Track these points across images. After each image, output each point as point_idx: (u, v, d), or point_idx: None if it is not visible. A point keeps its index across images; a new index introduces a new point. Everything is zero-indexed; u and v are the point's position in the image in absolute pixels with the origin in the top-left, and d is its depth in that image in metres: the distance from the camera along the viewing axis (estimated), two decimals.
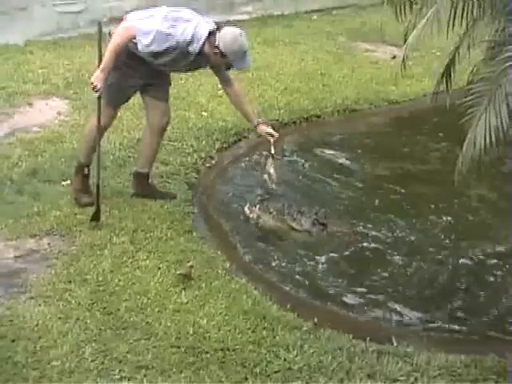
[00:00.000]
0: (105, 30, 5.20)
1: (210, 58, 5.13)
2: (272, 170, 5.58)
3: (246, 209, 5.65)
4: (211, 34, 5.05)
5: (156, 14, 5.08)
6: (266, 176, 5.62)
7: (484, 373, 3.91)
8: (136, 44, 5.00)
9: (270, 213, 5.59)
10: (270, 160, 5.61)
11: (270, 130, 5.56)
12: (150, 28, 4.96)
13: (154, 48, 4.99)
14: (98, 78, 4.99)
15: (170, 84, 5.57)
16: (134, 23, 5.02)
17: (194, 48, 5.02)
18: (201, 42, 5.01)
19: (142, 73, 5.22)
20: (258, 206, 5.63)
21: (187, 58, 5.11)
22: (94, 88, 5.02)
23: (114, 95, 5.28)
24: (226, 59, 5.09)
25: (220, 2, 11.17)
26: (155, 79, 5.33)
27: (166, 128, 5.64)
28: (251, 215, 5.61)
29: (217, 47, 5.03)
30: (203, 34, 5.02)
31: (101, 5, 10.21)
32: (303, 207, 5.70)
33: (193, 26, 5.01)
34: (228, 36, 5.06)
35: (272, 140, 5.56)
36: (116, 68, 5.07)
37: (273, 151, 5.58)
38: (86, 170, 5.49)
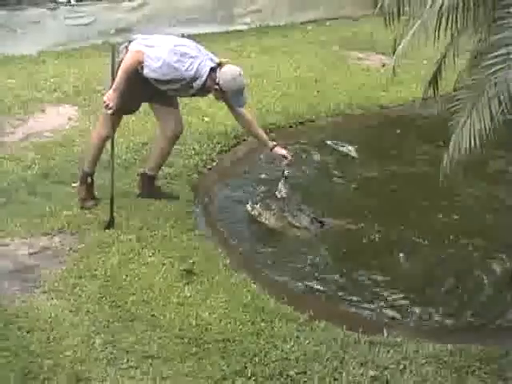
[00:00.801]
0: (112, 40, 5.22)
1: (211, 91, 5.17)
2: (284, 190, 5.57)
3: (248, 206, 5.63)
4: (213, 70, 5.07)
5: (163, 45, 5.08)
6: (277, 194, 5.59)
7: (468, 360, 3.92)
8: (143, 67, 5.01)
9: (271, 210, 5.57)
10: (282, 180, 5.58)
11: (285, 153, 5.55)
12: (159, 55, 4.98)
13: (159, 76, 5.01)
14: (110, 97, 5.00)
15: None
16: (145, 49, 5.01)
17: (197, 84, 5.07)
18: (203, 79, 5.05)
19: (142, 83, 5.13)
20: (259, 204, 5.62)
21: (189, 90, 5.16)
22: (106, 107, 5.03)
23: (118, 106, 5.19)
24: (225, 95, 5.14)
25: (221, 13, 11.19)
26: (161, 90, 5.29)
27: (179, 136, 5.63)
28: (253, 212, 5.60)
29: (217, 84, 5.06)
30: (206, 71, 5.04)
31: (108, 17, 10.22)
32: (302, 205, 5.69)
33: (197, 63, 5.02)
34: (228, 75, 5.08)
35: (286, 162, 5.55)
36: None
37: (286, 173, 5.56)
38: (89, 179, 5.45)
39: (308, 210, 5.63)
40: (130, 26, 5.42)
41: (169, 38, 5.30)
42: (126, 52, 5.09)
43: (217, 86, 5.08)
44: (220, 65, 5.12)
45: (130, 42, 5.17)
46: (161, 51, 5.01)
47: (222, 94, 5.16)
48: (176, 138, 5.59)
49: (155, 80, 5.07)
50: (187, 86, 5.11)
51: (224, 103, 5.43)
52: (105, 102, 5.03)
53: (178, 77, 5.02)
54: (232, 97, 5.16)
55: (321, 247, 5.37)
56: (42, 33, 9.67)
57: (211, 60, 5.13)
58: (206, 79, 5.05)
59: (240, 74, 5.13)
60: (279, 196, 5.57)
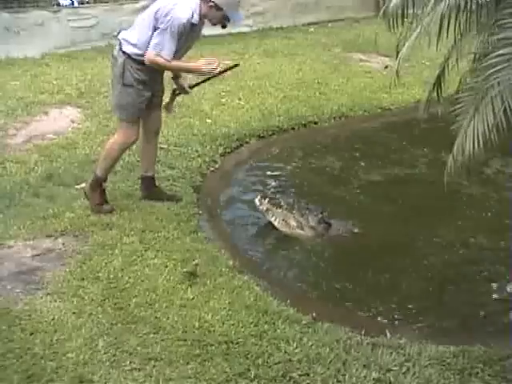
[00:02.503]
0: (114, 43, 5.25)
1: (207, 16, 5.14)
2: (265, 202, 5.54)
3: (256, 200, 5.58)
4: None
5: (147, 23, 5.06)
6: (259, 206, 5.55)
7: (471, 362, 3.90)
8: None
9: (280, 207, 5.54)
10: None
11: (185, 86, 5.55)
12: (161, 39, 4.98)
13: (173, 44, 5.01)
14: (206, 63, 5.15)
15: (164, 93, 5.57)
16: (154, 50, 5.00)
17: (195, 18, 5.05)
18: (197, 10, 5.04)
19: (150, 85, 5.22)
20: (267, 199, 5.59)
21: (194, 30, 5.14)
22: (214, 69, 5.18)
23: (134, 112, 5.25)
24: (221, 12, 5.10)
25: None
26: (157, 90, 5.36)
27: (159, 131, 5.69)
28: (261, 207, 5.55)
29: (211, 1, 5.05)
30: (195, 1, 5.05)
31: (111, 20, 10.26)
32: (311, 205, 5.67)
33: (183, 6, 5.00)
34: None
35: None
36: (130, 87, 5.12)
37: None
38: (104, 185, 5.43)
39: (316, 210, 5.60)
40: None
41: (145, 15, 5.19)
42: (123, 54, 5.10)
43: (212, 3, 5.06)
44: None
45: (119, 41, 5.18)
46: (159, 37, 4.98)
47: (218, 12, 5.10)
48: (158, 132, 5.66)
49: (181, 45, 5.10)
50: (191, 28, 5.07)
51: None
52: (214, 66, 5.15)
53: (182, 28, 4.99)
54: (229, 10, 5.12)
55: (325, 248, 5.36)
56: (46, 35, 9.71)
57: None
58: (200, 7, 5.06)
59: None
60: (261, 208, 5.53)
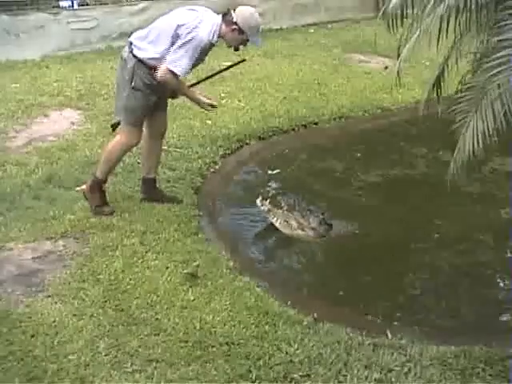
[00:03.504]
0: (114, 45, 5.23)
1: (225, 38, 5.15)
2: (266, 203, 5.54)
3: (257, 201, 5.56)
4: (224, 15, 5.11)
5: (167, 34, 5.04)
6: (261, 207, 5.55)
7: (473, 362, 3.90)
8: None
9: (281, 208, 5.54)
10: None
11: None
12: (179, 57, 4.97)
13: (194, 62, 5.05)
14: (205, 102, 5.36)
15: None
16: (169, 66, 4.97)
17: (216, 38, 5.09)
18: (217, 30, 5.06)
19: (158, 90, 5.18)
20: (269, 200, 5.59)
21: (210, 50, 5.19)
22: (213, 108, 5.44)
23: (140, 116, 5.26)
24: (243, 36, 5.13)
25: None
26: (163, 93, 5.34)
27: (164, 134, 5.70)
28: (262, 207, 5.55)
29: (235, 23, 5.07)
30: (216, 21, 5.08)
31: (111, 22, 10.27)
32: (312, 206, 5.67)
33: (206, 26, 5.01)
34: (246, 12, 5.14)
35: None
36: (138, 91, 5.11)
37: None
38: (104, 187, 5.43)
39: (317, 211, 5.60)
40: (132, 30, 5.40)
41: (164, 25, 5.16)
42: (133, 58, 5.08)
43: (235, 26, 5.08)
44: (228, 10, 5.16)
45: (129, 43, 5.17)
46: (178, 53, 4.98)
47: (240, 36, 5.14)
48: (163, 135, 5.68)
49: (194, 64, 5.13)
50: (209, 47, 5.13)
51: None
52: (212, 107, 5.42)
53: (202, 46, 5.03)
54: (251, 35, 5.15)
55: (326, 249, 5.36)
56: (45, 37, 9.72)
57: (206, 11, 5.16)
58: (220, 27, 5.07)
59: (256, 12, 5.21)
60: (263, 209, 5.53)
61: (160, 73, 5.01)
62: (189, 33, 4.97)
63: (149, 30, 5.17)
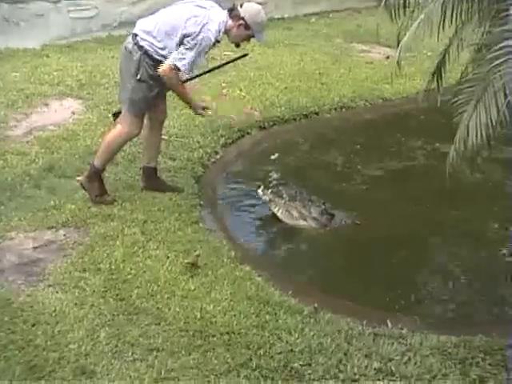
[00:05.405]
0: (115, 33, 5.21)
1: (230, 33, 5.17)
2: (268, 193, 5.57)
3: (259, 191, 5.59)
4: (230, 10, 5.13)
5: (175, 26, 5.05)
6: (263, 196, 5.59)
7: (473, 352, 3.92)
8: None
9: (283, 198, 5.56)
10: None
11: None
12: (185, 52, 4.98)
13: (200, 60, 5.13)
14: (199, 107, 5.48)
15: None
16: (174, 61, 4.99)
17: (221, 35, 5.12)
18: (223, 27, 5.08)
19: (161, 81, 5.16)
20: (270, 190, 5.60)
21: (215, 45, 5.21)
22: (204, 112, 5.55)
23: (144, 106, 5.27)
24: (248, 31, 5.16)
25: (225, 6, 11.15)
26: (165, 84, 5.34)
27: (164, 122, 5.74)
28: (264, 197, 5.56)
29: (242, 18, 5.10)
30: (223, 19, 5.09)
31: (112, 10, 10.22)
32: (313, 196, 5.68)
33: (215, 24, 5.02)
34: (254, 8, 5.19)
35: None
36: (144, 82, 5.12)
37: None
38: (102, 176, 5.43)
39: (319, 201, 5.60)
40: (133, 19, 5.38)
41: (172, 20, 5.15)
42: (139, 49, 5.07)
43: (242, 22, 5.11)
44: (234, 6, 5.19)
45: (134, 35, 5.15)
46: (184, 51, 5.00)
47: (245, 31, 5.16)
48: (163, 123, 5.71)
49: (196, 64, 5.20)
50: (214, 43, 5.16)
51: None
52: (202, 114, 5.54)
53: (209, 43, 5.06)
54: (257, 31, 5.18)
55: (328, 240, 5.37)
56: (46, 26, 9.67)
57: (213, 7, 5.17)
58: (226, 23, 5.09)
59: (262, 8, 5.25)
60: (264, 198, 5.56)
61: (163, 69, 5.02)
62: (197, 34, 4.98)
63: (155, 24, 5.13)
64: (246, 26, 5.13)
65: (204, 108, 5.55)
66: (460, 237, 5.46)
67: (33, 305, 4.13)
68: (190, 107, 5.49)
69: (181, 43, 5.01)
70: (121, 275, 4.47)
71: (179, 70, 5.01)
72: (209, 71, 5.82)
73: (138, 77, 5.11)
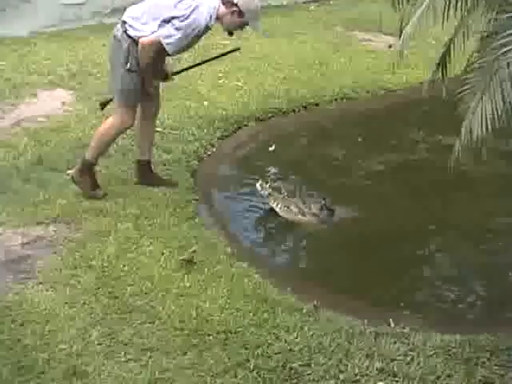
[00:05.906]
0: (107, 21, 5.20)
1: (223, 20, 5.15)
2: (267, 187, 5.57)
3: (257, 185, 5.59)
4: None
5: (165, 12, 5.06)
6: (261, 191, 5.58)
7: (477, 351, 3.93)
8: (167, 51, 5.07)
9: (281, 193, 5.56)
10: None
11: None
12: (173, 32, 4.99)
13: (187, 42, 5.08)
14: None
15: None
16: (160, 38, 4.99)
17: (212, 22, 5.10)
18: (215, 13, 5.07)
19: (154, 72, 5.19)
20: (269, 184, 5.60)
21: (205, 33, 5.19)
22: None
23: (134, 97, 5.28)
24: (242, 19, 5.14)
25: None
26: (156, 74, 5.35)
27: (157, 114, 5.74)
28: (262, 191, 5.57)
29: (236, 5, 5.08)
30: (214, 4, 5.07)
31: None
32: (313, 191, 5.67)
33: (205, 8, 5.02)
34: None
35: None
36: (133, 72, 5.13)
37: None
38: (94, 170, 5.43)
39: (319, 196, 5.61)
40: (126, 6, 5.37)
41: (160, 6, 5.15)
42: (128, 38, 5.07)
43: (235, 8, 5.09)
44: None
45: (123, 22, 5.14)
46: (173, 31, 5.00)
47: (239, 19, 5.14)
48: (156, 116, 5.72)
49: (186, 46, 5.17)
50: (205, 30, 5.14)
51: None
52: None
53: (197, 31, 5.05)
54: (251, 18, 5.16)
55: (328, 235, 5.38)
56: (34, 13, 9.61)
57: None
58: (218, 10, 5.08)
59: None
60: (262, 193, 5.56)
61: (148, 38, 5.01)
62: (186, 18, 4.99)
63: (143, 10, 5.15)
64: (240, 13, 5.11)
65: (165, 78, 5.49)
66: (464, 232, 5.46)
67: (22, 303, 4.13)
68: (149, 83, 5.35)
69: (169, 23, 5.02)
70: (113, 272, 4.48)
71: (161, 45, 5.00)
72: (197, 65, 5.82)
73: (128, 66, 5.12)
